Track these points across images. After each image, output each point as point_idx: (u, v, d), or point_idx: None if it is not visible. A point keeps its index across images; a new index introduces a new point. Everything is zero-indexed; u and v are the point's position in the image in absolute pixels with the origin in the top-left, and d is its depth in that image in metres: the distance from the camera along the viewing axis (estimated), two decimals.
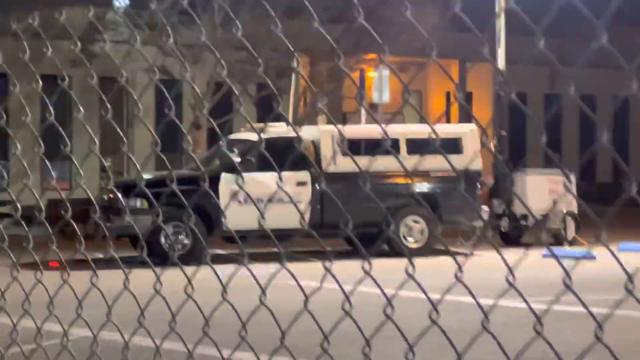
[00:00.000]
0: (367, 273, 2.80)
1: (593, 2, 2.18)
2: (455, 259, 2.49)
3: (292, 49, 2.80)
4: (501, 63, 23.86)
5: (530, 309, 2.40)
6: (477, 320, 2.57)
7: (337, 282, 2.85)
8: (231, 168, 18.75)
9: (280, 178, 3.06)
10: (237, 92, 23.04)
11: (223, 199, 18.32)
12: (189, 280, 3.24)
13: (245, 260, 3.03)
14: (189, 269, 3.24)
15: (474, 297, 2.49)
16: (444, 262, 2.49)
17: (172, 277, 3.61)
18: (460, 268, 2.42)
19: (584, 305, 2.31)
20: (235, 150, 19.52)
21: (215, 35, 26.81)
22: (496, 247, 2.58)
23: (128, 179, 22.65)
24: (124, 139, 3.68)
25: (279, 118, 32.89)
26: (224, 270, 3.09)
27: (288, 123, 22.60)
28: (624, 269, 2.18)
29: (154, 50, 19.36)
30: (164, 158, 3.57)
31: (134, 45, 3.54)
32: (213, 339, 3.17)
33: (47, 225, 3.72)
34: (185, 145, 3.43)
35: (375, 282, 2.83)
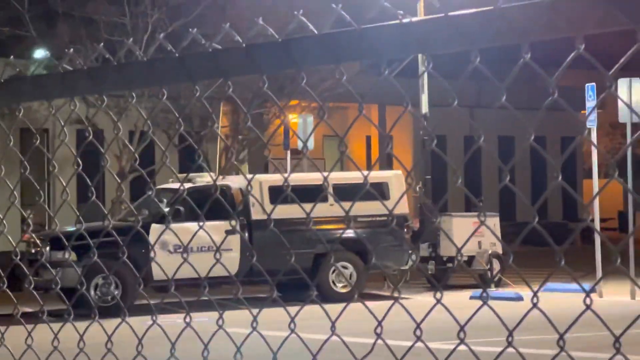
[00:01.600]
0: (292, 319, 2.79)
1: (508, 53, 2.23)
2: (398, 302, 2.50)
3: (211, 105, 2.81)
4: (424, 108, 24.12)
5: (473, 353, 2.40)
6: None
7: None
8: (160, 218, 18.66)
9: (201, 227, 3.04)
10: (161, 145, 22.96)
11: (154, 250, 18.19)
12: (109, 336, 3.19)
13: (155, 315, 3.00)
14: (114, 321, 3.19)
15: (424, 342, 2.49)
16: (372, 306, 2.51)
17: (98, 330, 3.55)
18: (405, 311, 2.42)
19: (514, 347, 2.33)
20: (164, 200, 19.43)
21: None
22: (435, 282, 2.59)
23: (54, 231, 22.37)
24: (41, 192, 3.64)
25: (202, 168, 32.73)
26: (149, 320, 3.05)
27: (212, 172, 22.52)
28: (548, 318, 2.20)
29: (77, 101, 19.20)
30: (75, 210, 3.54)
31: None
32: None
33: None
34: (115, 196, 3.40)
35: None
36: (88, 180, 3.23)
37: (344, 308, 2.81)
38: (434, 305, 2.45)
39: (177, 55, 2.61)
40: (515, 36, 2.05)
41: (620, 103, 18.12)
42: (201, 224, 3.24)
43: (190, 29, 2.84)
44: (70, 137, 3.67)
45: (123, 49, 2.95)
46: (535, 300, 2.21)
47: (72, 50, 3.03)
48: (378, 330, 2.58)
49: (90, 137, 3.06)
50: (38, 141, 3.40)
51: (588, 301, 2.11)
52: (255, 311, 2.88)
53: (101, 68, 2.72)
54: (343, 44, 2.31)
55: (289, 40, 2.39)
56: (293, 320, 2.75)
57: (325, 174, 2.55)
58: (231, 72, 2.57)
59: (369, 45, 2.28)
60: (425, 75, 23.56)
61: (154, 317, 3.08)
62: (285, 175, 19.19)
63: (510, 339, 2.29)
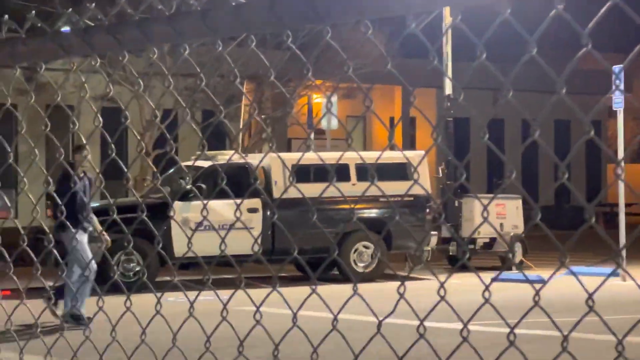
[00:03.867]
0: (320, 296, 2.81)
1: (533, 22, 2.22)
2: (438, 281, 2.50)
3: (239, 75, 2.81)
4: (447, 89, 24.07)
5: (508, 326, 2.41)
6: (441, 344, 2.58)
7: (326, 305, 2.85)
8: (182, 195, 18.73)
9: (237, 206, 3.06)
10: (185, 119, 23.02)
11: (175, 226, 18.29)
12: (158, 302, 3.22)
13: (208, 283, 3.02)
14: (148, 295, 3.22)
15: (459, 318, 2.51)
16: (393, 287, 2.53)
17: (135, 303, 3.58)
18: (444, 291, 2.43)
19: (552, 320, 2.33)
20: (187, 177, 19.49)
21: (164, 63, 26.75)
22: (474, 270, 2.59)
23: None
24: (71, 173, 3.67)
25: (227, 145, 32.83)
26: (178, 297, 3.07)
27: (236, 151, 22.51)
28: (584, 287, 2.21)
29: (101, 78, 19.28)
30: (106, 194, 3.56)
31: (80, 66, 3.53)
32: None
33: (4, 253, 3.68)
34: (138, 174, 3.41)
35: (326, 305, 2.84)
36: (122, 165, 3.24)
37: (349, 298, 2.82)
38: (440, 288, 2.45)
39: (199, 10, 2.59)
40: None
41: None
42: (228, 204, 3.25)
43: None
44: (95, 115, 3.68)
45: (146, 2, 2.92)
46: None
47: (93, 4, 3.03)
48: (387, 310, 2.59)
49: (127, 122, 3.07)
50: (71, 127, 3.42)
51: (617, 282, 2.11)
52: (279, 291, 2.90)
53: (120, 24, 2.72)
54: None
55: None
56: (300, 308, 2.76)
57: (350, 154, 2.54)
58: (253, 27, 2.55)
59: None
60: (450, 57, 23.50)
61: (209, 285, 3.09)
62: (308, 154, 19.13)
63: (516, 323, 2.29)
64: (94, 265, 13.62)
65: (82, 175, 13.61)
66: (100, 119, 3.37)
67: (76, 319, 12.74)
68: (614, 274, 2.09)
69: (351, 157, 19.38)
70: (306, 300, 2.66)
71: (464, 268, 18.68)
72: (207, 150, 25.87)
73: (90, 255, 13.57)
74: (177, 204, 18.70)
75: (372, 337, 2.71)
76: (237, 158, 18.41)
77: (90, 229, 13.98)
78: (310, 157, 18.90)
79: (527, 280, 2.09)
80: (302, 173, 19.09)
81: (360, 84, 2.86)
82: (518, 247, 22.05)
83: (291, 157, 21.39)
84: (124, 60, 2.90)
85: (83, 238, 13.66)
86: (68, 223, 11.33)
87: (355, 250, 19.95)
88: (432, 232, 20.51)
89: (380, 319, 2.61)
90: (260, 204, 18.97)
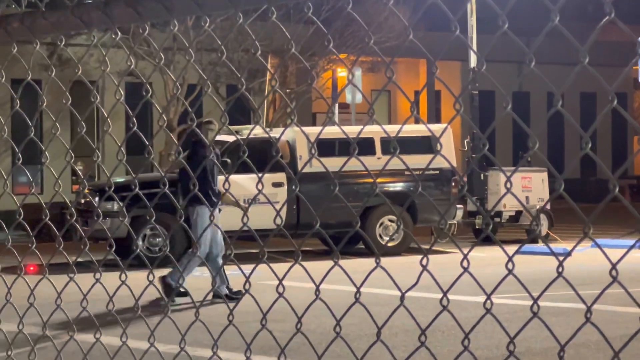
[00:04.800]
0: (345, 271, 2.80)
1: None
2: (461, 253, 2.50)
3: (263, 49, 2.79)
4: (473, 62, 23.94)
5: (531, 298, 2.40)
6: (462, 317, 2.57)
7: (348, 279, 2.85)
8: None
9: (259, 180, 3.06)
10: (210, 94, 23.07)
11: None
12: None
13: (264, 256, 3.02)
14: (160, 271, 3.22)
15: (482, 290, 2.50)
16: (418, 260, 2.52)
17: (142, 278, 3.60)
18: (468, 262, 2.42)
19: (576, 291, 2.32)
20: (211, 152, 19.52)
21: (188, 38, 26.74)
22: (498, 243, 2.58)
23: (102, 182, 22.55)
24: (94, 146, 3.68)
25: (251, 120, 32.81)
26: (203, 272, 3.07)
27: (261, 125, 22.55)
28: (608, 258, 2.20)
29: (124, 54, 19.30)
30: (129, 169, 3.57)
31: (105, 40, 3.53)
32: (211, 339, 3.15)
33: (27, 228, 3.70)
34: (163, 148, 3.40)
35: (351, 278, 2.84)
36: (144, 139, 3.24)
37: (366, 275, 2.81)
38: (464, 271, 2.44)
39: None
40: None
41: None
42: (254, 179, 3.24)
43: None
44: (120, 90, 3.69)
45: None
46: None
47: None
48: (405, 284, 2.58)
49: (149, 95, 3.07)
50: (96, 87, 3.42)
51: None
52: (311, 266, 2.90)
53: None
54: None
55: None
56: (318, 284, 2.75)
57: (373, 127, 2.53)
58: None
59: None
60: (475, 29, 23.38)
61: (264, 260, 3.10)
62: (332, 128, 19.06)
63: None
64: (220, 242, 12.92)
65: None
66: (122, 92, 3.36)
67: (182, 295, 11.62)
68: (636, 245, 2.08)
69: (376, 131, 19.34)
70: (328, 273, 2.66)
71: (489, 241, 18.66)
72: (232, 125, 25.85)
73: (208, 233, 12.75)
74: None
75: (395, 310, 2.71)
76: (261, 132, 18.41)
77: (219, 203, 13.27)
78: (335, 131, 18.87)
79: (551, 253, 2.10)
80: (326, 147, 19.07)
81: (381, 55, 2.84)
82: (544, 220, 21.98)
83: (315, 131, 21.39)
84: (144, 34, 2.89)
85: (205, 213, 12.90)
86: (200, 195, 10.95)
87: (381, 224, 19.94)
88: (458, 206, 20.46)
89: (404, 291, 2.61)
90: (285, 178, 18.99)
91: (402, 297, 2.55)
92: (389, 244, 19.82)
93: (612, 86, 2.03)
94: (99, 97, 3.43)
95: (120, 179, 19.14)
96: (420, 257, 2.55)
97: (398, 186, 20.06)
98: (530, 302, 2.34)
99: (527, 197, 21.84)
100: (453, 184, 20.39)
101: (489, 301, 2.36)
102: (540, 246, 19.27)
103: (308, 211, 18.99)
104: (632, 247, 2.22)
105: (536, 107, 42.91)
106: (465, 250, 2.38)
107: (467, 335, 2.42)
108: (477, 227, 22.12)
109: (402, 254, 19.39)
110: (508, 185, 2.18)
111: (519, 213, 22.08)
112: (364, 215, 19.63)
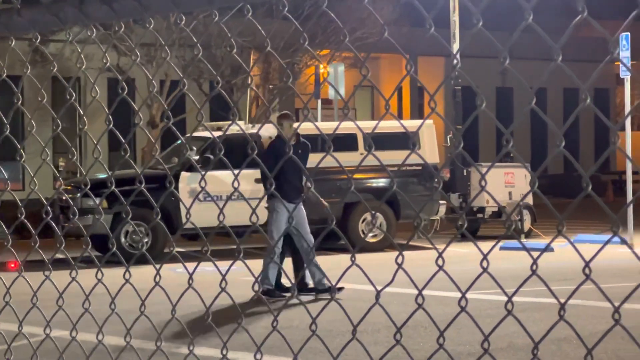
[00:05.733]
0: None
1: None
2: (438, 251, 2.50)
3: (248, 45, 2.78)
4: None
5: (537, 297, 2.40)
6: (444, 313, 2.57)
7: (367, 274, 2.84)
8: (190, 166, 18.79)
9: (235, 177, 3.04)
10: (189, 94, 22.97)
11: (183, 197, 18.35)
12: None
13: (207, 255, 3.01)
14: (143, 268, 3.22)
15: (458, 287, 2.50)
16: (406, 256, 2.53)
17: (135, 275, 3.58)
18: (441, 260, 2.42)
19: (549, 288, 2.32)
20: (194, 148, 19.51)
21: (171, 34, 26.69)
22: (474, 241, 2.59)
23: (85, 178, 22.48)
24: (74, 142, 3.67)
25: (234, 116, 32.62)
26: (180, 267, 3.06)
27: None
28: (581, 256, 2.21)
29: (109, 50, 19.23)
30: (103, 165, 3.56)
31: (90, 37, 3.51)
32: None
33: (2, 225, 3.68)
34: (145, 145, 3.39)
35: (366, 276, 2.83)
36: (120, 137, 3.23)
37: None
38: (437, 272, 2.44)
39: None
40: None
41: None
42: (233, 175, 3.23)
43: None
44: (101, 86, 3.68)
45: None
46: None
47: None
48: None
49: (124, 93, 3.05)
50: (72, 97, 3.41)
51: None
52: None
53: None
54: None
55: None
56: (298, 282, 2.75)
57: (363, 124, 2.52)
58: None
59: None
60: (457, 25, 23.40)
61: (209, 257, 3.09)
62: (317, 124, 19.15)
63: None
64: (310, 238, 12.42)
65: (292, 142, 12.73)
66: (97, 90, 3.35)
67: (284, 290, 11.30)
68: (611, 241, 2.08)
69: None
70: (303, 270, 2.65)
71: (474, 236, 18.62)
72: (216, 121, 25.76)
73: (281, 228, 12.37)
74: (185, 175, 18.76)
75: (370, 307, 2.71)
76: (243, 129, 18.39)
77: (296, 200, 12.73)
78: (320, 127, 18.80)
79: (524, 249, 2.10)
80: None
81: (356, 52, 2.84)
82: (526, 216, 22.02)
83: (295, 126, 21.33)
84: (120, 30, 2.88)
85: (281, 209, 12.56)
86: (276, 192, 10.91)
87: (364, 220, 19.95)
88: (441, 202, 20.49)
89: (379, 288, 2.61)
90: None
91: (378, 295, 2.55)
92: (371, 240, 19.83)
93: (585, 84, 2.03)
94: (75, 94, 3.41)
95: (103, 175, 19.11)
96: (405, 253, 2.54)
97: (381, 182, 20.08)
98: (514, 299, 2.35)
99: (510, 193, 21.90)
100: (436, 180, 20.43)
101: (463, 299, 2.36)
102: (524, 242, 19.28)
103: None
104: (605, 244, 2.23)
105: (519, 102, 43.01)
106: (442, 247, 2.39)
107: (442, 333, 2.43)
108: (460, 222, 22.13)
109: (385, 249, 19.42)
110: (482, 183, 2.19)
111: (502, 208, 22.13)
112: (347, 211, 19.63)
